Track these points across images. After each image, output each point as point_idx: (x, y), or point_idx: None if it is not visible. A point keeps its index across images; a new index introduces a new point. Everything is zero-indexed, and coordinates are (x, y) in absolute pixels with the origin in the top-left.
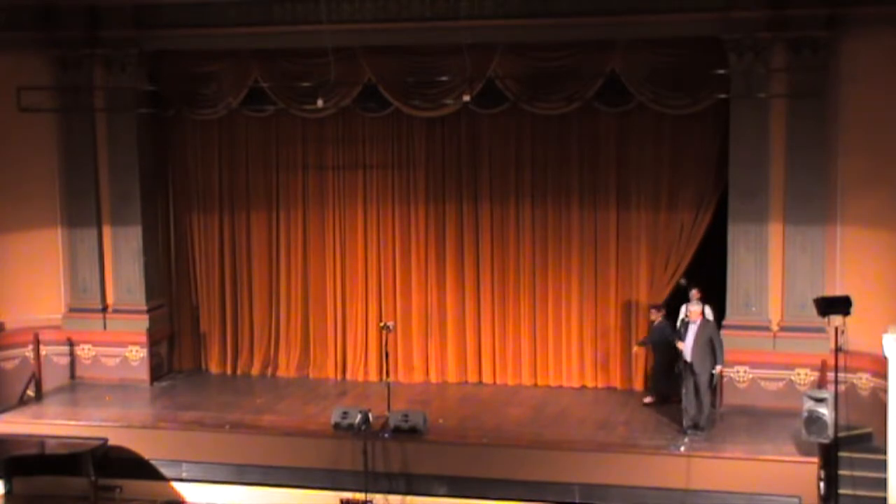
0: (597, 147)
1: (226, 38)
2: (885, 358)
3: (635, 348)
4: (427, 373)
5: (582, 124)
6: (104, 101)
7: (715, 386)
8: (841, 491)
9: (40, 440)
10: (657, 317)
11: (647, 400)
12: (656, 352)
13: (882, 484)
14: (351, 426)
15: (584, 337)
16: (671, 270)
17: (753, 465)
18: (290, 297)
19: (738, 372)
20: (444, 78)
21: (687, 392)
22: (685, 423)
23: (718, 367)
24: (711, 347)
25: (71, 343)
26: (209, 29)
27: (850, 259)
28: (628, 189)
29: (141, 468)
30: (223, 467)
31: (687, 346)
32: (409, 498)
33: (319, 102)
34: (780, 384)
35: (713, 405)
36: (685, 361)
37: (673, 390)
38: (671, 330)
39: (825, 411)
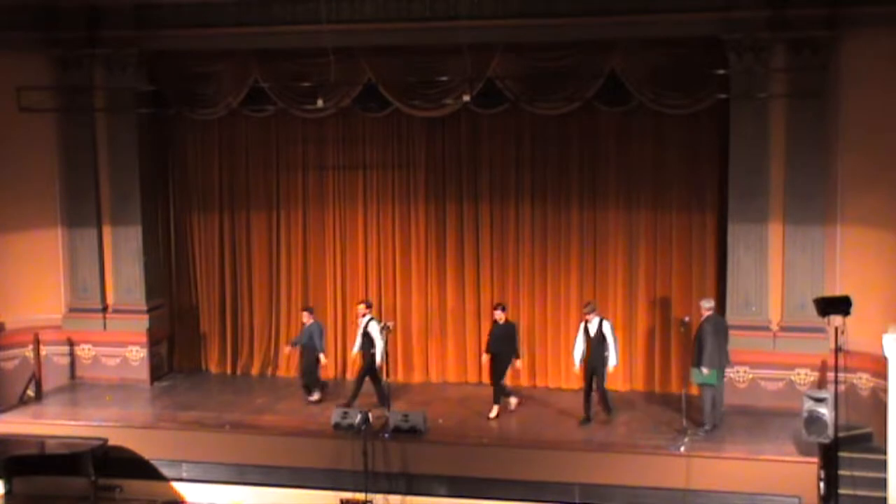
0: (597, 147)
1: (226, 38)
2: (885, 358)
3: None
4: (427, 373)
5: (582, 124)
6: (104, 101)
7: (706, 384)
8: (841, 491)
9: (40, 440)
10: (309, 319)
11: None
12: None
13: (882, 484)
14: (351, 426)
15: None
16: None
17: (753, 465)
18: (290, 297)
19: (738, 372)
20: (444, 78)
21: None
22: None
23: (703, 370)
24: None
25: (71, 343)
26: (209, 29)
27: (850, 259)
28: (628, 189)
29: (141, 468)
30: (223, 467)
31: None
32: (409, 498)
33: (319, 102)
34: (780, 384)
35: (714, 404)
36: None
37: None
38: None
39: (825, 411)
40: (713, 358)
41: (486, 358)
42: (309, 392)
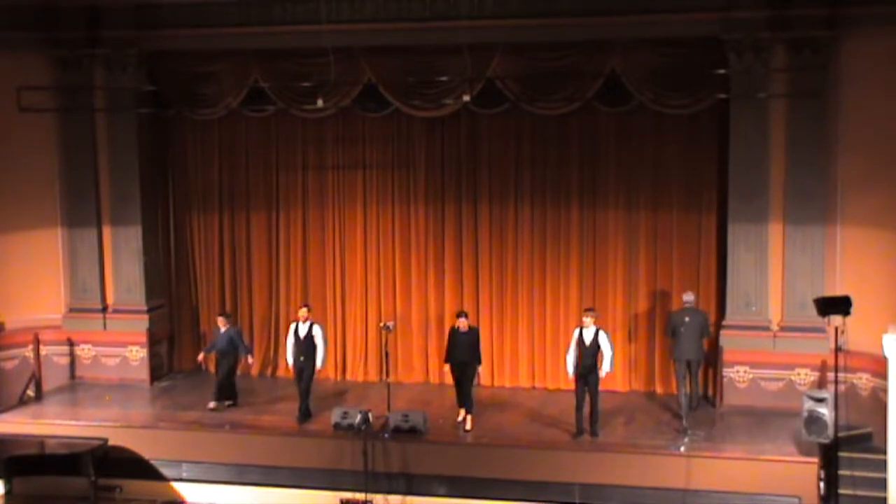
0: (597, 147)
1: (226, 38)
2: (885, 358)
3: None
4: (427, 373)
5: (582, 124)
6: (104, 101)
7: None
8: (841, 491)
9: (40, 440)
10: (225, 325)
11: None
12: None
13: (882, 484)
14: (351, 426)
15: None
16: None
17: (753, 465)
18: (290, 297)
19: (738, 372)
20: (444, 78)
21: None
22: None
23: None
24: None
25: (71, 343)
26: (209, 29)
27: (850, 259)
28: (628, 189)
29: (141, 468)
30: (223, 467)
31: None
32: (409, 498)
33: (319, 102)
34: (780, 384)
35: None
36: None
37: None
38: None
39: (825, 411)
40: (679, 348)
41: (447, 367)
42: (218, 398)
